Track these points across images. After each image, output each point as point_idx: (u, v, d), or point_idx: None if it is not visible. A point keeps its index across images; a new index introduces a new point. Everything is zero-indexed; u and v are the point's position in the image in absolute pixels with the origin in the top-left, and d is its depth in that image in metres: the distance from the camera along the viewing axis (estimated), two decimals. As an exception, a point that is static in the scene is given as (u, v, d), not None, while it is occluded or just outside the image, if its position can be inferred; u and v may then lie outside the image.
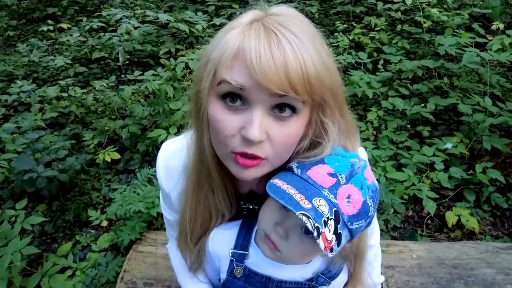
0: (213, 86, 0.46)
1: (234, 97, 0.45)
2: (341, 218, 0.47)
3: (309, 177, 0.49)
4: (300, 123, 0.47)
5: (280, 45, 0.41)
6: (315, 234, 0.43)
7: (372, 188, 0.51)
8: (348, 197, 0.48)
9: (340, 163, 0.50)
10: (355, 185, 0.49)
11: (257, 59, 0.41)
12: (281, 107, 0.45)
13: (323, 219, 0.44)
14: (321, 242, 0.43)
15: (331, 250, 0.45)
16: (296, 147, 0.50)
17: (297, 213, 0.43)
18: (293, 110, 0.45)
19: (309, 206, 0.45)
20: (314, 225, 0.43)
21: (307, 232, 0.49)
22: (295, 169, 0.51)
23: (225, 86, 0.44)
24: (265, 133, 0.45)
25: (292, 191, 0.47)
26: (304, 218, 0.43)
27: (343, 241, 0.48)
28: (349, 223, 0.48)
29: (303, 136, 0.50)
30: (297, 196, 0.46)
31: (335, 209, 0.47)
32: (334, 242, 0.45)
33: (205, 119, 0.49)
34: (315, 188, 0.48)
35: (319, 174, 0.49)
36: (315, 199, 0.46)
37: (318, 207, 0.45)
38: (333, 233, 0.45)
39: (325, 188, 0.48)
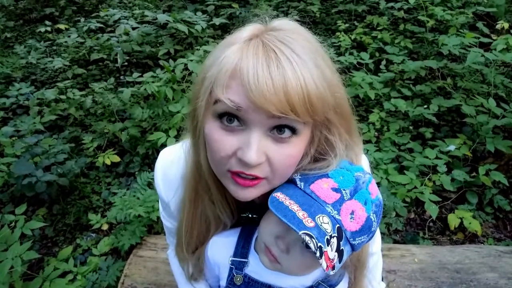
0: (209, 105, 0.45)
1: (231, 117, 0.43)
2: (344, 234, 0.46)
3: (312, 192, 0.48)
4: (300, 143, 0.46)
5: (280, 64, 0.39)
6: (318, 254, 0.42)
7: (376, 202, 0.50)
8: (352, 213, 0.47)
9: (344, 178, 0.49)
10: (359, 201, 0.47)
11: (255, 79, 0.39)
12: (280, 128, 0.43)
13: (326, 237, 0.44)
14: (323, 262, 0.42)
15: (333, 268, 0.44)
16: (296, 166, 0.49)
17: (300, 232, 0.42)
18: (293, 131, 0.43)
19: (312, 224, 0.44)
20: (317, 245, 0.42)
21: (308, 247, 0.48)
22: (298, 182, 0.50)
23: (221, 105, 0.42)
24: (263, 155, 0.43)
25: (295, 207, 0.46)
26: (307, 238, 0.42)
27: (345, 256, 0.47)
28: (351, 239, 0.47)
29: (304, 155, 0.49)
30: (300, 214, 0.45)
31: (338, 225, 0.46)
32: (336, 259, 0.44)
33: (202, 137, 0.48)
34: (319, 204, 0.47)
35: (323, 189, 0.48)
36: (318, 216, 0.45)
37: (321, 225, 0.44)
38: (336, 251, 0.44)
39: (328, 204, 0.47)
